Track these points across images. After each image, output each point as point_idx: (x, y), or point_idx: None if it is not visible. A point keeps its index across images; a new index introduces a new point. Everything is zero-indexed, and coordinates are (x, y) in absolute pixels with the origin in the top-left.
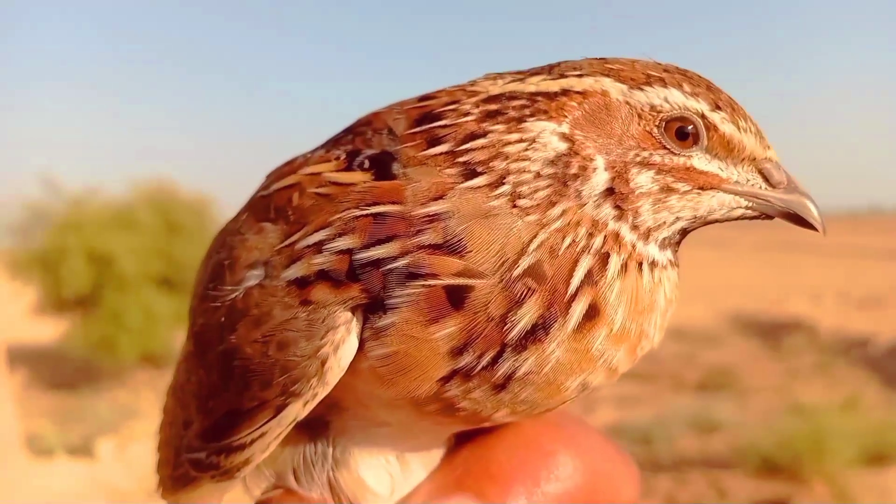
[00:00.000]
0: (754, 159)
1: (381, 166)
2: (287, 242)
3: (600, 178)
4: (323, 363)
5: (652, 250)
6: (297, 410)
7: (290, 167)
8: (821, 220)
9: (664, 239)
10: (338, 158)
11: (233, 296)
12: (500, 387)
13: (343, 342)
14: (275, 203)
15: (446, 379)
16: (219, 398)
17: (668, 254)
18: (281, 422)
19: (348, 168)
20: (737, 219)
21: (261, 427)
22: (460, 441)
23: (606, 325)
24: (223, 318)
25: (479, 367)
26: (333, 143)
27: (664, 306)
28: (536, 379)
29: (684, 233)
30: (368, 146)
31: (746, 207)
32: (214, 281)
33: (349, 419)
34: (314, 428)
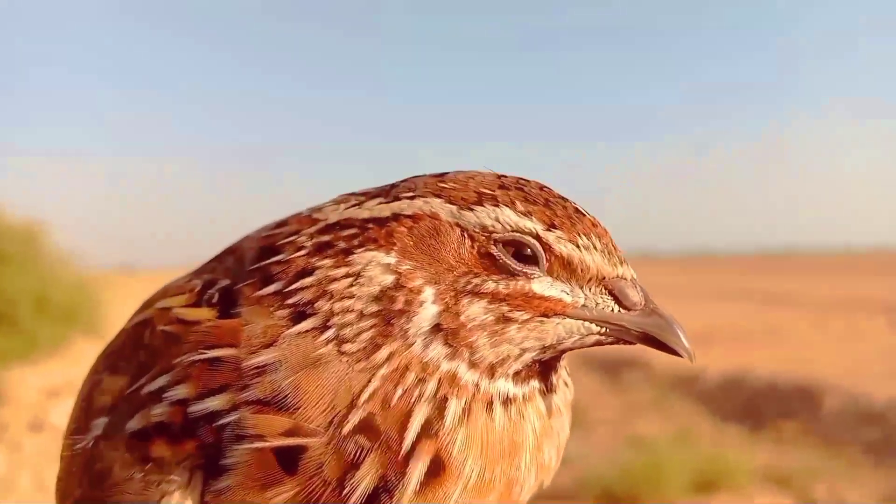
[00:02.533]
0: (603, 278)
1: (228, 301)
2: (134, 387)
3: (427, 313)
4: None
5: (502, 386)
6: None
7: (152, 298)
8: (687, 344)
9: (516, 372)
10: (192, 290)
11: (81, 445)
12: None
13: None
14: (131, 339)
15: None
16: None
17: (533, 383)
18: None
19: (197, 302)
20: (593, 345)
21: None
22: None
23: (459, 479)
24: (74, 469)
25: None
26: (204, 265)
27: (534, 442)
28: None
29: (545, 363)
30: (225, 275)
31: (600, 333)
32: (75, 423)
33: None
34: None
